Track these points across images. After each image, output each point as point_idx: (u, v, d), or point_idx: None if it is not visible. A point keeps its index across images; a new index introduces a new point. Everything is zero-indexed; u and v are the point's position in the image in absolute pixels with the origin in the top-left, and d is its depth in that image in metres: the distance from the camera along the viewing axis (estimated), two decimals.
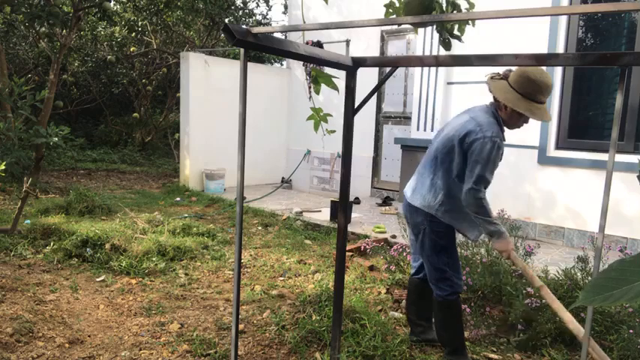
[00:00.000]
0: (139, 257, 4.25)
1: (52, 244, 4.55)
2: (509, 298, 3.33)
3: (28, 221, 5.09)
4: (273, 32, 1.92)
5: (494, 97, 2.57)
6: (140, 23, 10.78)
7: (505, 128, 2.61)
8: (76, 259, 4.30)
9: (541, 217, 5.40)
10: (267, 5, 12.35)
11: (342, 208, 2.61)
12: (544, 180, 5.37)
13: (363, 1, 7.68)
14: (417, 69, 6.41)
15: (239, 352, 2.82)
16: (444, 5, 2.08)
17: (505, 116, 2.55)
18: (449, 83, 6.11)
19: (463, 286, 2.78)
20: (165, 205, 6.89)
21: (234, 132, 5.86)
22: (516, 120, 2.55)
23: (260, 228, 5.86)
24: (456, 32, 2.26)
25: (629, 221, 4.81)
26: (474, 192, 2.46)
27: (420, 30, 5.95)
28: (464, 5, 2.23)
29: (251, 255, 4.73)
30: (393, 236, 5.18)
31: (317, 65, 2.38)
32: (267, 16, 12.51)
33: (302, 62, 2.47)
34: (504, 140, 2.54)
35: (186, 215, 6.22)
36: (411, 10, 2.01)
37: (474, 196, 2.46)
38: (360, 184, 7.89)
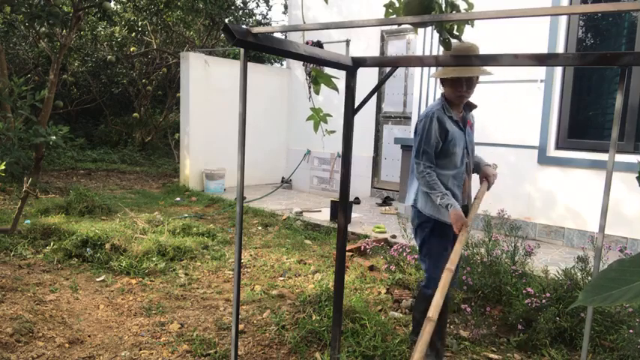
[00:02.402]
0: (139, 257, 4.25)
1: (52, 244, 4.55)
2: (509, 298, 3.33)
3: (28, 221, 5.10)
4: (273, 32, 1.92)
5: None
6: (140, 23, 10.78)
7: (463, 108, 2.74)
8: (76, 259, 4.30)
9: (541, 217, 5.40)
10: (267, 5, 12.35)
11: (342, 208, 2.61)
12: (544, 180, 5.37)
13: (363, 1, 7.68)
14: (417, 69, 6.41)
15: (239, 352, 2.82)
16: (443, 6, 2.08)
17: (446, 93, 2.68)
18: None
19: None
20: (165, 205, 6.89)
21: (234, 132, 5.86)
22: (451, 90, 2.63)
23: (260, 228, 5.86)
24: (455, 32, 2.26)
25: (629, 221, 4.81)
26: (417, 165, 2.65)
27: (420, 30, 5.95)
28: (463, 6, 2.23)
29: (251, 255, 4.73)
30: (393, 236, 5.18)
31: (317, 65, 2.38)
32: (267, 16, 12.52)
33: (302, 62, 2.47)
34: (447, 114, 2.64)
35: (186, 215, 6.22)
36: (411, 10, 2.01)
37: (418, 170, 2.65)
38: (360, 184, 7.89)
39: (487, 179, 2.80)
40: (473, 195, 2.83)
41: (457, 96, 2.63)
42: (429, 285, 2.68)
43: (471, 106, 2.79)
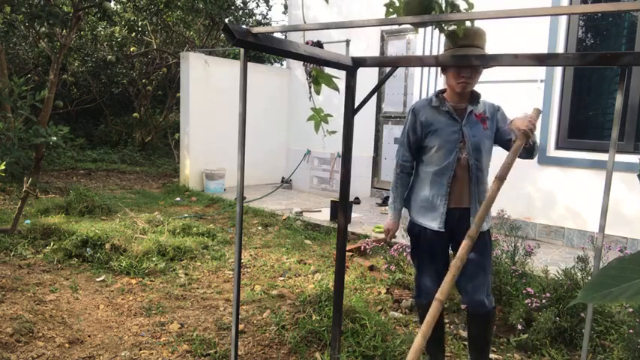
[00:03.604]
0: (139, 257, 4.25)
1: (52, 244, 4.55)
2: (509, 298, 3.33)
3: (28, 221, 5.09)
4: (273, 32, 1.92)
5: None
6: (140, 23, 10.78)
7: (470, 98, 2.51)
8: (76, 259, 4.30)
9: (541, 217, 5.40)
10: (267, 5, 12.35)
11: (342, 208, 2.61)
12: (544, 180, 5.37)
13: (363, 1, 7.68)
14: (417, 69, 6.41)
15: (239, 352, 2.82)
16: (443, 6, 2.08)
17: (448, 81, 2.47)
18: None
19: (429, 296, 2.46)
20: (165, 205, 6.89)
21: (234, 132, 5.85)
22: (454, 76, 2.41)
23: (260, 228, 5.86)
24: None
25: (629, 221, 4.81)
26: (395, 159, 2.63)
27: (420, 30, 5.95)
28: (463, 6, 2.23)
29: (251, 255, 4.73)
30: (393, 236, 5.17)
31: (317, 65, 2.38)
32: (267, 16, 12.52)
33: (302, 62, 2.47)
34: (433, 105, 2.50)
35: (186, 215, 6.22)
36: (411, 10, 2.01)
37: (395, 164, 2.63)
38: (360, 184, 7.89)
39: (520, 131, 2.17)
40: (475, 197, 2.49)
41: (458, 83, 2.39)
42: (419, 294, 2.62)
43: (476, 96, 2.52)
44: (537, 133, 5.47)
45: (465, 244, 1.89)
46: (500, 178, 2.00)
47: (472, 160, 2.45)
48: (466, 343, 3.07)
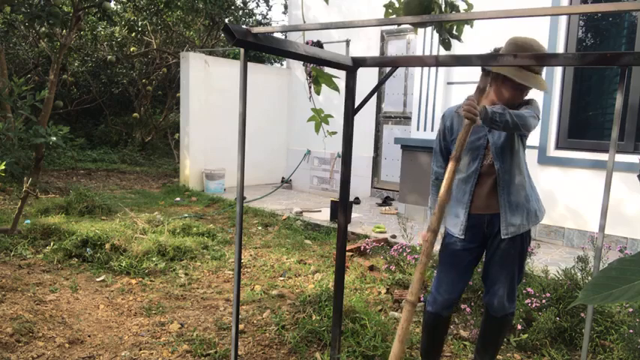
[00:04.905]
0: (139, 257, 4.25)
1: (52, 244, 4.55)
2: None
3: (28, 221, 5.09)
4: (273, 32, 1.92)
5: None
6: (140, 23, 10.78)
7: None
8: (76, 259, 4.30)
9: None
10: (267, 5, 12.36)
11: (342, 208, 2.61)
12: (544, 180, 5.36)
13: (363, 1, 7.68)
14: (417, 69, 6.41)
15: (239, 352, 2.82)
16: (443, 6, 2.08)
17: (506, 93, 2.30)
18: (449, 83, 6.10)
19: (436, 306, 2.47)
20: (165, 205, 6.89)
21: (234, 132, 5.86)
22: (511, 93, 2.29)
23: (260, 228, 5.86)
24: (454, 32, 2.26)
25: (629, 221, 4.81)
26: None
27: (420, 30, 5.95)
28: (462, 6, 2.23)
29: (251, 255, 4.73)
30: (393, 236, 5.18)
31: (317, 65, 2.38)
32: (267, 16, 12.54)
33: (302, 62, 2.47)
34: (460, 113, 2.31)
35: (186, 215, 6.22)
36: (411, 11, 2.02)
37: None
38: (360, 184, 7.89)
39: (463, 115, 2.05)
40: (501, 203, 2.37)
41: (511, 97, 2.30)
42: (428, 301, 2.53)
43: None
44: (537, 133, 5.49)
45: (427, 236, 1.88)
46: (455, 158, 1.95)
47: (498, 165, 2.36)
48: (466, 343, 3.08)
